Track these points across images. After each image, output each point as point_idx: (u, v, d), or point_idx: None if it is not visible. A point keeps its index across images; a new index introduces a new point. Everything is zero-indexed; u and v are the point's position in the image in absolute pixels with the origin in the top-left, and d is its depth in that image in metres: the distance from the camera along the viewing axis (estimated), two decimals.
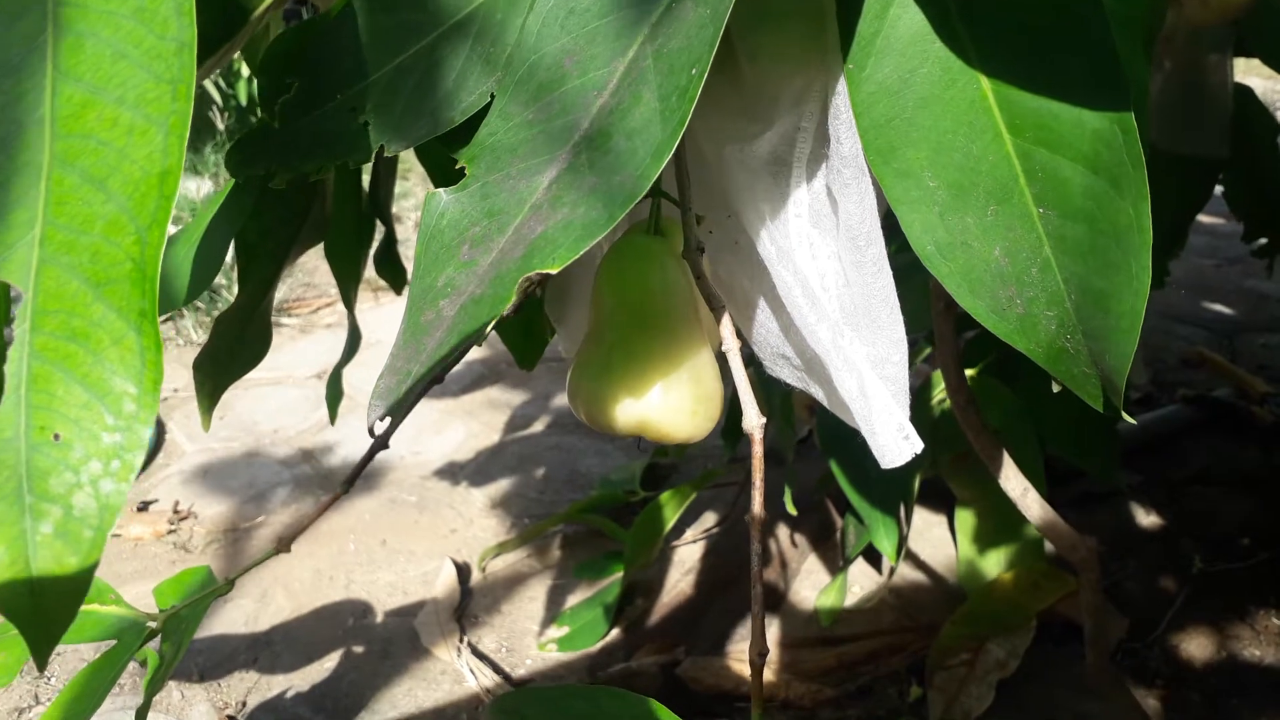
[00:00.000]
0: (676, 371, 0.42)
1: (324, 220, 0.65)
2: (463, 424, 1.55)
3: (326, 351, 1.83)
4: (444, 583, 1.14)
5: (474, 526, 1.27)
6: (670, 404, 0.42)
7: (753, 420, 0.41)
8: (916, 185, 0.42)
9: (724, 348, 0.42)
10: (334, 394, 0.89)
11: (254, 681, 1.00)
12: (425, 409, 1.60)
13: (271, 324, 0.67)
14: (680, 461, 1.30)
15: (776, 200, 0.45)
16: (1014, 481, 0.68)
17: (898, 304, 0.45)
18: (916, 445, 0.45)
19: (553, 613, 1.10)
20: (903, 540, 1.02)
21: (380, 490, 1.37)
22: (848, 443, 0.99)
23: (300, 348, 1.89)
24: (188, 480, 1.41)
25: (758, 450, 0.42)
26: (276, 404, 1.64)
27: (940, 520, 1.19)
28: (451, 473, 1.41)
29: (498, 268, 0.28)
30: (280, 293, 2.03)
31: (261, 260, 0.57)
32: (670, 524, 1.09)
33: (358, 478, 0.67)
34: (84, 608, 0.72)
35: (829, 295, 0.46)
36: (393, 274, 0.89)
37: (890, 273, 0.44)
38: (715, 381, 0.44)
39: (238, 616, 1.11)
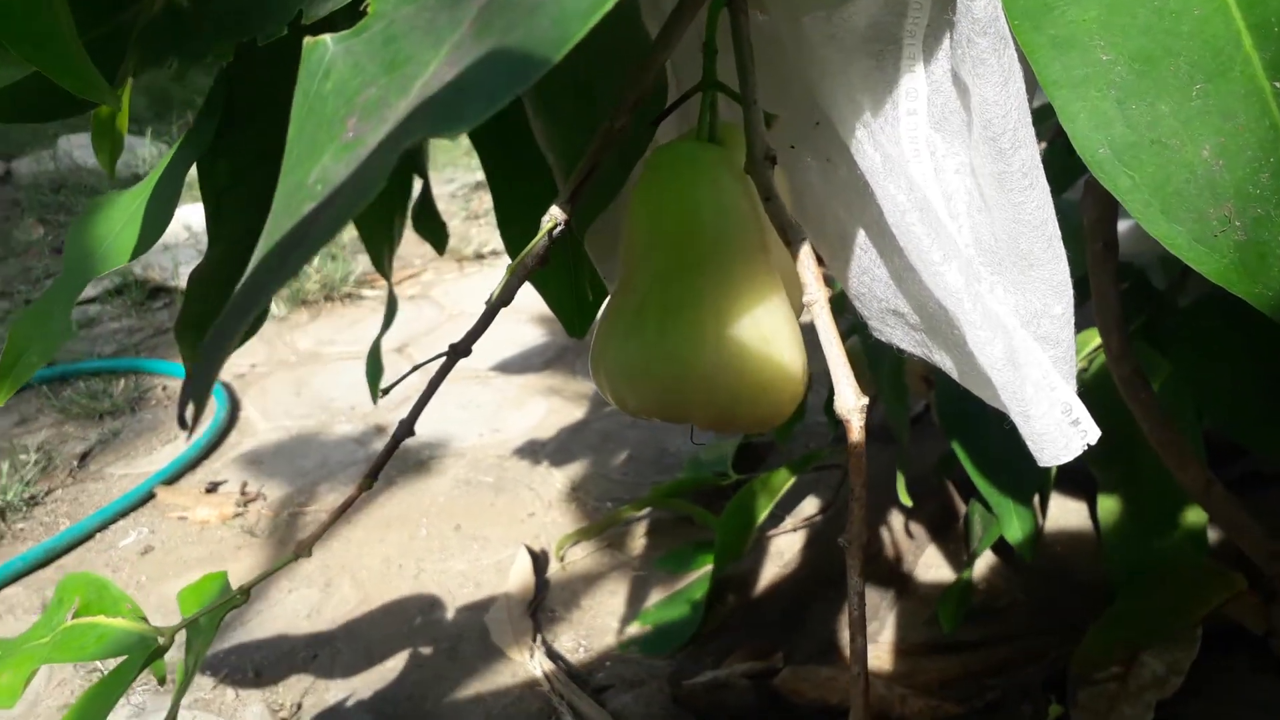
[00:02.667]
0: (734, 332, 0.30)
1: None
2: (544, 400, 1.45)
3: (406, 324, 1.75)
4: (518, 574, 1.04)
5: (553, 510, 1.17)
6: (726, 380, 0.30)
7: (849, 401, 0.29)
8: (1083, 58, 0.29)
9: (805, 299, 0.29)
10: (373, 369, 0.79)
11: (311, 683, 0.92)
12: (505, 384, 1.50)
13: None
14: (778, 441, 1.17)
15: (881, 92, 0.32)
16: (1193, 472, 0.54)
17: (1058, 232, 0.32)
18: (1090, 433, 0.32)
19: (635, 609, 0.99)
20: (1038, 532, 0.87)
21: (455, 471, 1.28)
22: (974, 419, 0.85)
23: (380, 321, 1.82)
24: (259, 459, 1.35)
25: (856, 440, 0.29)
26: (353, 379, 1.57)
27: (1079, 508, 1.03)
28: (531, 452, 1.31)
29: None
30: (361, 266, 1.96)
31: (236, 208, 0.47)
32: (765, 512, 0.97)
33: (382, 469, 0.58)
34: (91, 620, 0.64)
35: (959, 224, 0.33)
36: (432, 231, 0.78)
37: (1047, 188, 0.31)
38: (791, 345, 0.31)
39: (300, 608, 1.03)
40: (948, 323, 0.33)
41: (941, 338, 0.36)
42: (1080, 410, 0.32)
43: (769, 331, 0.30)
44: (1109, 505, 0.96)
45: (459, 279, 1.95)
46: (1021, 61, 0.31)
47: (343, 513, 0.60)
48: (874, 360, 0.90)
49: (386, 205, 0.74)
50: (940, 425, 0.87)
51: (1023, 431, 0.31)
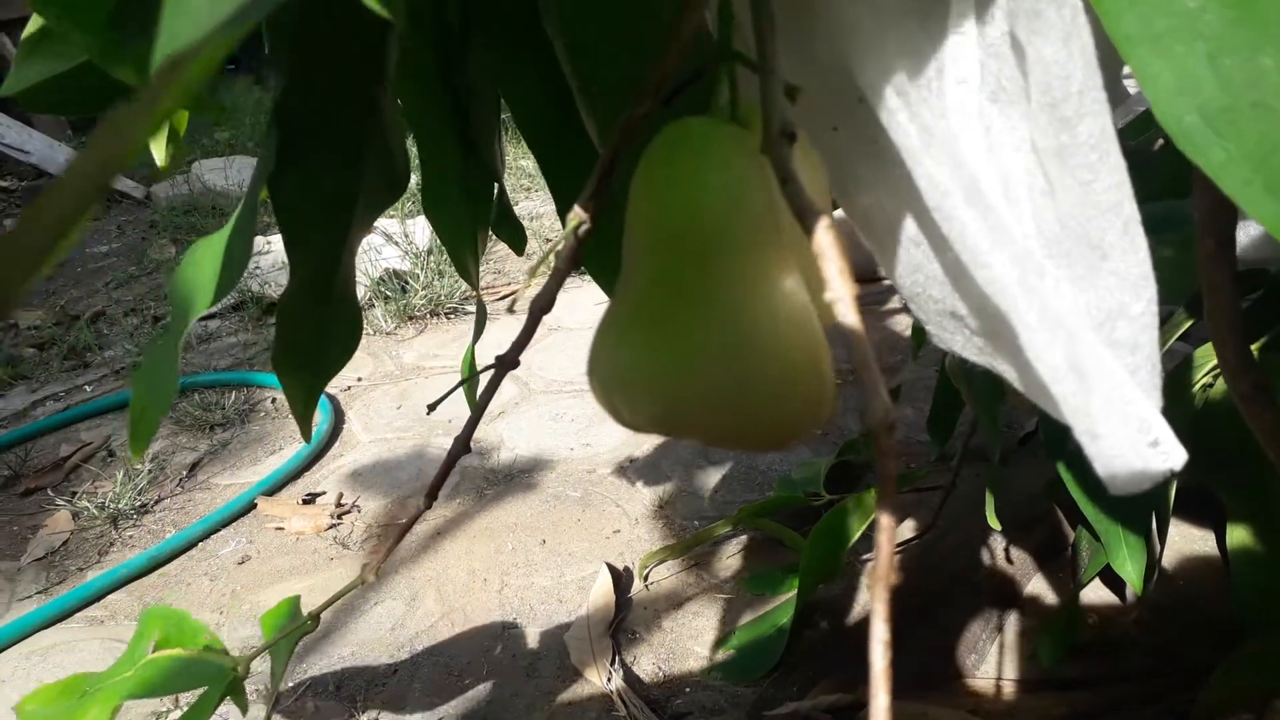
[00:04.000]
0: (739, 337, 0.26)
1: (394, 170, 0.52)
2: None
3: (507, 338, 1.76)
4: (599, 593, 1.02)
5: (639, 527, 1.14)
6: (729, 392, 0.26)
7: (876, 414, 0.25)
8: (1164, 6, 0.25)
9: (827, 295, 0.26)
10: (469, 379, 0.78)
11: (389, 697, 0.91)
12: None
13: (359, 306, 0.56)
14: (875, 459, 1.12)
15: (923, 58, 0.29)
16: None
17: (1136, 216, 0.27)
18: (1173, 457, 0.27)
19: (719, 632, 0.95)
20: (1154, 563, 0.80)
21: (544, 485, 1.26)
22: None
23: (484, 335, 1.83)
24: (357, 472, 1.36)
25: (884, 459, 0.25)
26: (454, 393, 1.58)
27: (1205, 537, 0.95)
28: (620, 467, 1.28)
29: None
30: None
31: (309, 225, 0.46)
32: (857, 534, 0.92)
33: (441, 486, 0.56)
34: (169, 653, 0.64)
35: (1019, 210, 0.29)
36: (510, 233, 0.77)
37: (1122, 165, 0.27)
38: (808, 352, 0.27)
39: (385, 620, 1.03)
40: (1006, 324, 0.29)
41: (1003, 343, 0.31)
42: (1161, 429, 0.27)
43: (781, 336, 0.26)
44: (1239, 535, 0.88)
45: (560, 293, 1.95)
46: (1090, 14, 0.26)
47: (404, 534, 0.59)
48: (967, 372, 0.84)
49: (460, 208, 0.72)
50: (1045, 444, 0.80)
51: (1089, 454, 0.27)
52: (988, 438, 0.80)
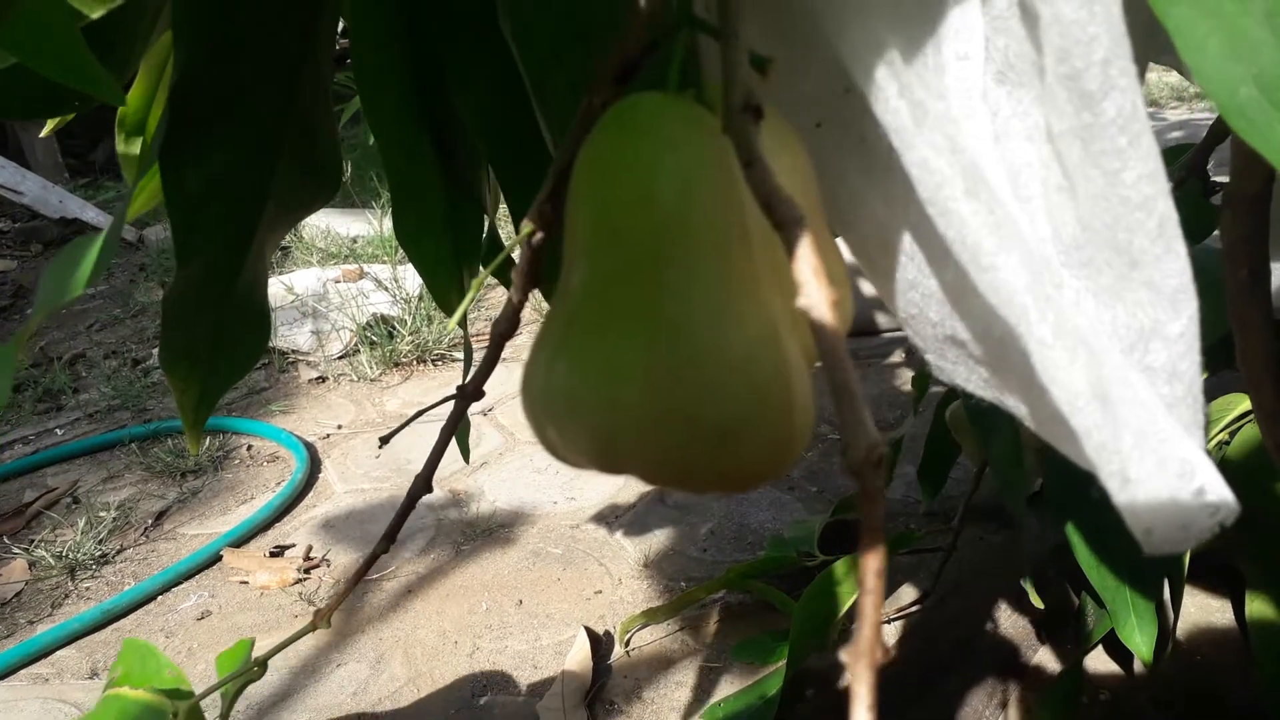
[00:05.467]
0: (684, 354, 0.21)
1: (315, 160, 0.47)
2: None
3: (499, 384, 1.70)
4: (576, 659, 0.95)
5: (622, 588, 1.08)
6: (670, 421, 0.21)
7: (857, 452, 0.20)
8: None
9: (800, 303, 0.21)
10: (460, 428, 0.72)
11: None
12: None
13: (269, 315, 0.51)
14: None
15: (917, 29, 0.24)
16: None
17: (1173, 214, 0.22)
18: (1223, 509, 0.22)
19: (703, 702, 0.88)
20: (1166, 634, 0.74)
21: (525, 541, 1.20)
22: (1086, 488, 0.74)
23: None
24: (330, 524, 1.30)
25: (869, 505, 0.20)
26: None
27: (1223, 607, 0.89)
28: (606, 522, 1.22)
29: None
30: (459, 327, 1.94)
31: (204, 214, 0.41)
32: (851, 598, 0.85)
33: (399, 528, 0.53)
34: (117, 691, 0.59)
35: (1032, 209, 0.24)
36: (500, 269, 0.72)
37: (1155, 152, 0.22)
38: (773, 374, 0.22)
39: (347, 685, 0.96)
40: (1014, 349, 0.24)
41: (1011, 373, 0.26)
42: (1207, 472, 0.22)
43: (743, 353, 0.21)
44: (1259, 608, 0.82)
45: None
46: None
47: (360, 578, 0.55)
48: (983, 427, 0.78)
49: (439, 238, 0.67)
50: (1049, 500, 0.75)
51: (1118, 502, 0.22)
52: (1011, 501, 0.74)
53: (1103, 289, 0.23)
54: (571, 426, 0.22)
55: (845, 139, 0.28)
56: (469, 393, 0.47)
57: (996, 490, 0.90)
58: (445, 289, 0.67)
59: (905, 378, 1.53)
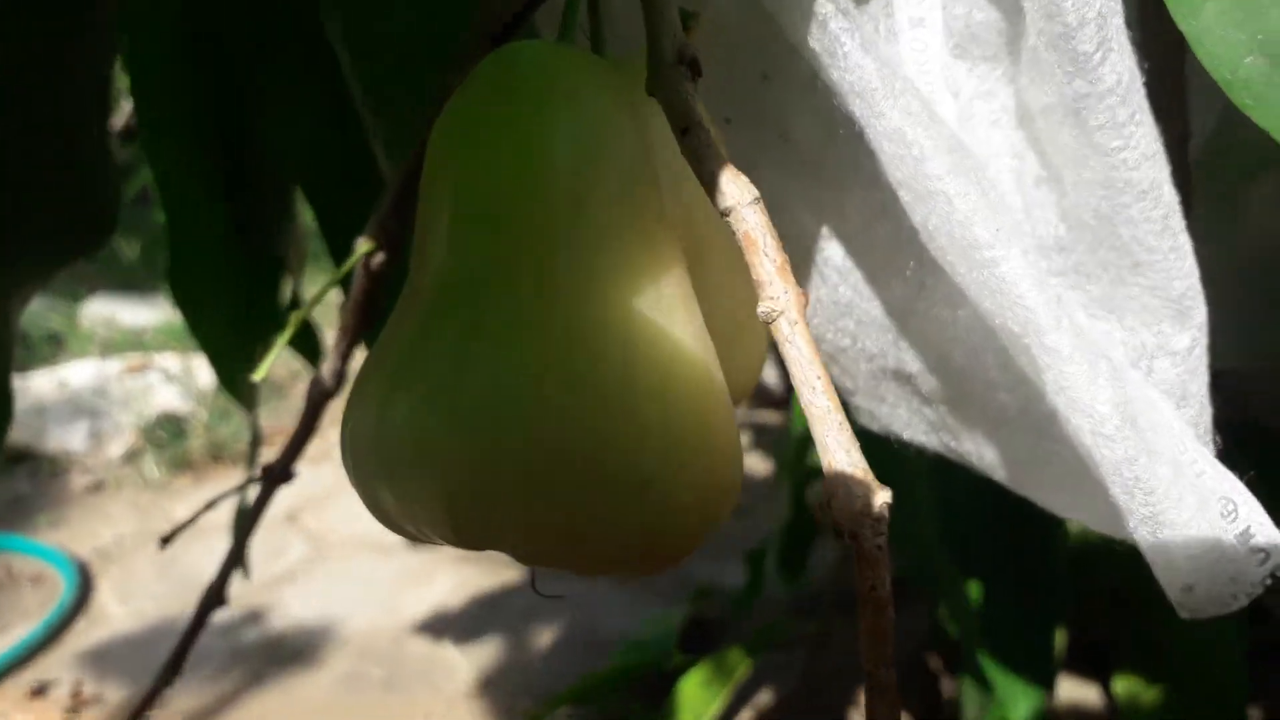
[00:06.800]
0: (582, 376, 0.15)
1: (97, 210, 0.37)
2: (454, 571, 1.25)
3: (302, 487, 1.55)
4: None
5: (457, 710, 0.96)
6: (570, 466, 0.15)
7: (850, 502, 0.13)
8: None
9: (761, 308, 0.13)
10: (239, 532, 0.60)
11: None
12: (409, 555, 1.30)
13: (9, 382, 0.40)
14: (733, 611, 0.98)
15: None
16: None
17: (1177, 207, 0.17)
18: (1272, 548, 0.17)
19: None
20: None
21: (339, 662, 1.06)
22: (975, 560, 0.72)
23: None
24: (104, 653, 1.12)
25: (870, 573, 0.13)
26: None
27: (1092, 691, 0.86)
28: (435, 635, 1.10)
29: None
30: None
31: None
32: (714, 706, 0.78)
33: (185, 655, 0.45)
34: None
35: (1013, 204, 0.18)
36: (303, 342, 0.61)
37: (1156, 132, 0.17)
38: (707, 399, 0.17)
39: None
40: (981, 377, 0.18)
41: (974, 406, 0.20)
42: (1252, 510, 0.17)
43: (654, 376, 0.15)
44: (1127, 686, 0.80)
45: None
46: None
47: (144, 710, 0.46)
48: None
49: (221, 295, 0.56)
50: (919, 581, 0.71)
51: (1149, 552, 0.17)
52: (963, 632, 0.70)
53: (1094, 300, 0.18)
54: (416, 483, 0.16)
55: (761, 135, 0.22)
56: (276, 473, 0.41)
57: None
58: (230, 361, 0.56)
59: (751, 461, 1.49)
